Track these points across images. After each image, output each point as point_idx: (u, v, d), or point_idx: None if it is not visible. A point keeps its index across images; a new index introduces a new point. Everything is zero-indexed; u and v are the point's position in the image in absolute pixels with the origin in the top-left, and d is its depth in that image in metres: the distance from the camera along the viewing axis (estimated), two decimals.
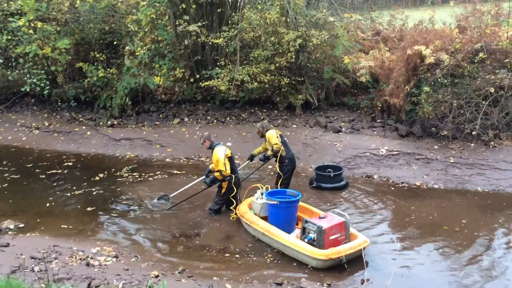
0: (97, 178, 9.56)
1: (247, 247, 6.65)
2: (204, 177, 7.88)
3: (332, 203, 8.22)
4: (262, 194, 7.11)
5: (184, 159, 10.73)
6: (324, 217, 6.29)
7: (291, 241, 6.24)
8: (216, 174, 7.36)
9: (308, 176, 9.43)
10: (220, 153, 7.29)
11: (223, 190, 7.50)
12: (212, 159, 7.46)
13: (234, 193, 7.46)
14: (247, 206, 7.30)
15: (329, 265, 5.93)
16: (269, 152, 8.01)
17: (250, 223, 6.87)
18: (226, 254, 6.45)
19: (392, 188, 8.89)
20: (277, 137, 7.91)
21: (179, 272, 5.84)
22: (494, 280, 5.78)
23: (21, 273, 5.18)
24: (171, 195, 8.09)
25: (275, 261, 6.26)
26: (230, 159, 7.43)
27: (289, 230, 6.60)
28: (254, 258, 6.36)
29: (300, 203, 7.23)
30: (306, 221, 6.31)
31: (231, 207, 7.56)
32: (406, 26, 13.27)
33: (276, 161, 8.05)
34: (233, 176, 7.42)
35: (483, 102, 9.87)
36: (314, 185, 8.88)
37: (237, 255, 6.42)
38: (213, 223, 7.43)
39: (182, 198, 7.97)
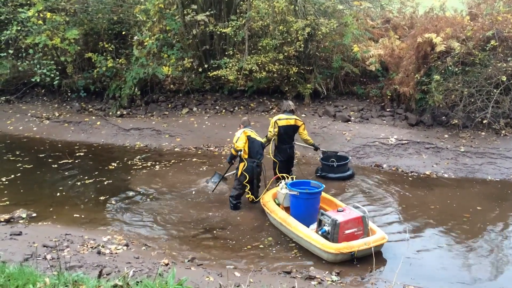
0: (111, 167, 9.64)
1: (273, 240, 6.54)
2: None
3: (339, 192, 8.20)
4: (286, 184, 7.11)
5: (193, 149, 10.77)
6: (342, 211, 6.20)
7: (305, 232, 6.19)
8: (232, 149, 7.56)
9: (315, 166, 9.40)
10: (239, 131, 7.53)
11: (239, 172, 7.46)
12: None
13: (247, 167, 7.37)
14: (271, 196, 7.30)
15: (340, 259, 5.86)
16: (263, 139, 7.89)
17: (270, 212, 6.90)
18: (248, 246, 6.38)
19: (402, 177, 8.85)
20: (274, 126, 7.82)
21: (188, 261, 5.89)
22: (504, 271, 5.77)
23: (33, 261, 5.27)
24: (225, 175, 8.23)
25: (300, 255, 6.12)
26: (251, 140, 7.42)
27: (309, 222, 6.50)
28: (274, 251, 6.28)
29: (325, 195, 7.20)
30: (323, 214, 6.23)
31: (247, 189, 7.50)
32: (416, 14, 13.11)
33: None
34: (242, 150, 7.39)
35: (495, 91, 9.76)
36: (318, 174, 8.89)
37: (261, 246, 6.37)
38: (235, 216, 7.34)
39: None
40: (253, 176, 7.48)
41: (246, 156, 7.41)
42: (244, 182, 7.42)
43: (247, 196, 7.57)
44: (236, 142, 7.40)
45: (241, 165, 7.45)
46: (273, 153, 8.01)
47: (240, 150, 7.39)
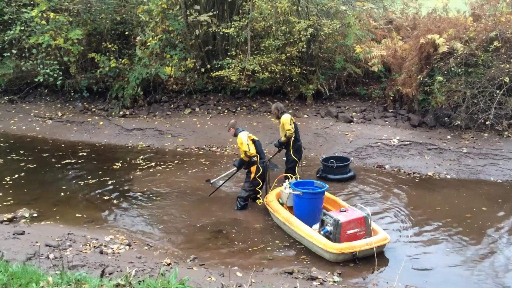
0: (114, 167, 9.66)
1: (280, 243, 6.48)
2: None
3: (341, 193, 8.20)
4: (289, 184, 7.12)
5: (196, 149, 10.79)
6: (345, 211, 6.21)
7: (307, 232, 6.20)
8: (242, 156, 7.44)
9: (317, 166, 9.40)
10: (243, 135, 7.42)
11: (252, 175, 7.46)
12: (238, 144, 7.57)
13: (261, 173, 7.42)
14: (275, 195, 7.33)
15: (342, 259, 5.86)
16: (283, 138, 8.01)
17: (273, 211, 6.92)
18: (254, 248, 6.34)
19: (404, 178, 8.84)
20: (290, 123, 7.91)
21: (190, 261, 5.90)
22: (508, 272, 5.74)
23: (36, 260, 5.29)
24: (212, 181, 8.06)
25: (308, 259, 6.04)
26: (254, 142, 7.43)
27: (312, 221, 6.50)
28: (282, 253, 6.24)
29: (329, 195, 7.21)
30: (325, 214, 6.24)
31: (258, 195, 7.59)
32: (419, 15, 13.08)
33: (285, 147, 8.09)
34: (259, 157, 7.42)
35: (497, 92, 9.74)
36: (319, 175, 8.90)
37: (268, 248, 6.32)
38: (240, 217, 7.32)
39: (217, 185, 8.07)
40: (265, 175, 7.55)
41: (254, 152, 7.39)
42: (257, 188, 7.50)
43: (258, 202, 7.58)
44: (248, 149, 7.26)
45: (254, 168, 7.43)
46: (292, 152, 8.02)
47: (254, 156, 7.36)
